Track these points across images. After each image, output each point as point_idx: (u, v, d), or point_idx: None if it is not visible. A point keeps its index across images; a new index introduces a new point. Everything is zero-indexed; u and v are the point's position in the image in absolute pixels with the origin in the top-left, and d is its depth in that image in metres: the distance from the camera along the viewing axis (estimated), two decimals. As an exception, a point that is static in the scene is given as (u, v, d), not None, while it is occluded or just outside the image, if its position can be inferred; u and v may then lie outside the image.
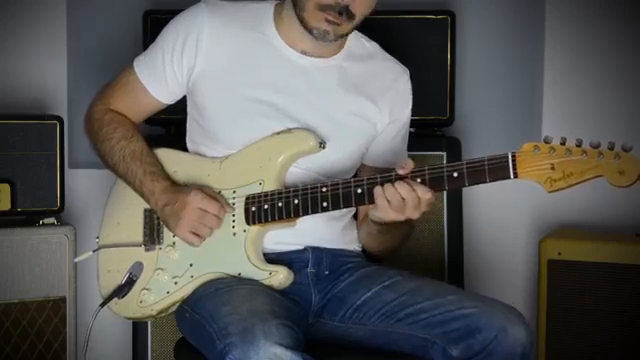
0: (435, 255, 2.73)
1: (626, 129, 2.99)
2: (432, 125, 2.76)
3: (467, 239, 2.85)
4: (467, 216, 2.86)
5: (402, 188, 2.03)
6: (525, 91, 3.04)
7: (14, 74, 2.93)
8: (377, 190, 2.05)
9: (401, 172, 2.05)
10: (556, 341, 2.75)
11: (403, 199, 2.03)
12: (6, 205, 2.59)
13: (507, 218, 3.09)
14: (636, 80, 3.02)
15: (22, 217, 2.66)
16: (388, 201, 2.04)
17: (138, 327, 2.64)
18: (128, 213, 2.30)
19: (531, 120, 3.03)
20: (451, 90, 2.74)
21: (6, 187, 2.59)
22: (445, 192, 2.72)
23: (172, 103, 2.32)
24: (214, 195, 2.17)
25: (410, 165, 2.05)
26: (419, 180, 2.04)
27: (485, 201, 3.04)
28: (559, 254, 2.74)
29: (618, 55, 3.02)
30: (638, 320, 2.67)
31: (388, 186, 2.04)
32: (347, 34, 2.22)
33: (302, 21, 2.17)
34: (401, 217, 2.07)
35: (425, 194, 2.03)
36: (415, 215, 2.06)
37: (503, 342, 1.99)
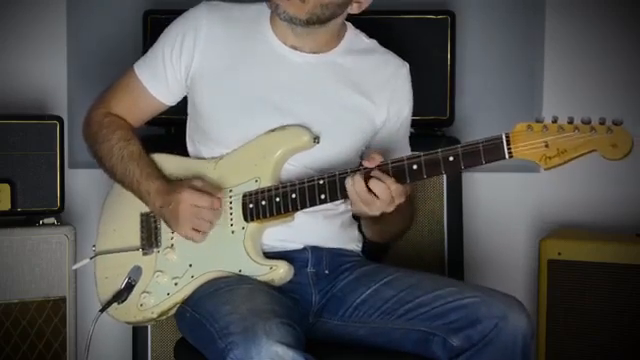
0: (435, 255, 2.73)
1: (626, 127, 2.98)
2: (432, 125, 2.76)
3: (467, 239, 2.85)
4: (467, 216, 2.85)
5: (369, 181, 2.04)
6: (525, 91, 3.04)
7: (14, 74, 2.93)
8: (348, 186, 2.07)
9: (367, 164, 2.06)
10: (556, 341, 2.75)
11: (375, 194, 2.04)
12: (6, 205, 2.59)
13: (507, 218, 3.09)
14: (636, 80, 3.02)
15: (22, 217, 2.66)
16: (358, 195, 2.06)
17: (138, 328, 2.64)
18: (124, 219, 2.30)
19: (531, 120, 3.02)
20: (451, 90, 2.74)
21: (6, 187, 2.59)
22: (445, 192, 2.72)
23: (173, 104, 2.32)
24: (204, 189, 2.16)
25: (378, 158, 2.06)
26: (415, 166, 2.04)
27: (485, 201, 3.04)
28: (559, 254, 2.74)
29: (618, 55, 3.02)
30: (638, 320, 2.67)
31: (358, 180, 2.05)
32: (305, 21, 2.16)
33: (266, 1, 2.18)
34: (375, 211, 2.08)
35: (392, 185, 2.04)
36: (390, 208, 2.07)
37: (503, 330, 2.00)
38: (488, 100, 3.02)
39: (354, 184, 2.06)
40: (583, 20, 3.03)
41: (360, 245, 2.36)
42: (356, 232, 2.34)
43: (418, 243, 2.71)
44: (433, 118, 2.74)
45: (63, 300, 2.66)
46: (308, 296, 2.22)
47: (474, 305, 2.04)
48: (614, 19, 3.02)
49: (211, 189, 2.17)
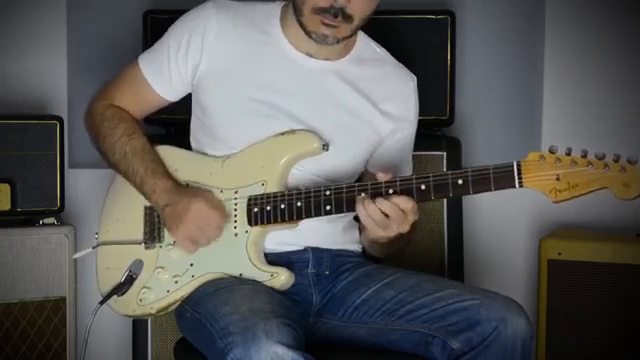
0: (435, 255, 2.73)
1: (625, 129, 2.99)
2: (432, 125, 2.75)
3: (467, 239, 2.85)
4: (467, 216, 2.86)
5: (382, 204, 2.02)
6: (525, 91, 3.04)
7: (14, 74, 2.93)
8: (360, 212, 2.05)
9: (381, 177, 2.04)
10: (556, 341, 2.75)
11: (387, 215, 2.03)
12: (6, 205, 2.59)
13: (507, 218, 3.09)
14: (636, 80, 3.02)
15: (22, 217, 2.65)
16: (372, 219, 2.04)
17: (138, 327, 2.64)
18: (128, 210, 2.30)
19: (531, 120, 3.03)
20: (451, 90, 2.74)
21: (6, 187, 2.59)
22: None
23: (175, 101, 2.31)
24: (217, 206, 2.16)
25: (390, 174, 2.05)
26: (423, 187, 2.03)
27: (485, 201, 3.04)
28: (559, 254, 2.74)
29: (618, 56, 3.02)
30: (638, 320, 2.67)
31: (368, 205, 2.03)
32: (349, 36, 2.21)
33: (301, 25, 2.17)
34: (391, 233, 2.06)
35: (407, 204, 2.02)
36: (405, 228, 2.05)
37: (502, 333, 2.00)
38: (488, 100, 3.02)
39: (366, 209, 2.03)
40: (583, 20, 3.03)
41: (360, 246, 2.35)
42: (357, 233, 2.34)
43: (418, 243, 2.71)
44: (433, 118, 2.73)
45: (63, 300, 2.66)
46: (308, 296, 2.21)
47: (474, 308, 2.03)
48: (614, 20, 3.02)
49: (221, 207, 2.17)
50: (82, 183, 2.95)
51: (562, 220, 3.03)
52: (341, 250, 2.28)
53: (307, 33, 2.17)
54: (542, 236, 2.83)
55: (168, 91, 2.28)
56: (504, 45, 3.01)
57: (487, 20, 3.00)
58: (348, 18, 2.14)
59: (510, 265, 3.08)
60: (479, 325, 2.02)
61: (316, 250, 2.23)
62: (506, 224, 3.09)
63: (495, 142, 2.99)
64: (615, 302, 2.69)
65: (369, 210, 2.03)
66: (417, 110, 2.35)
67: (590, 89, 3.05)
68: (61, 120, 2.66)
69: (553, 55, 3.04)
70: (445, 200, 2.72)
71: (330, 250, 2.25)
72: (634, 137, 2.97)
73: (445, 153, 2.72)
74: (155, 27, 2.65)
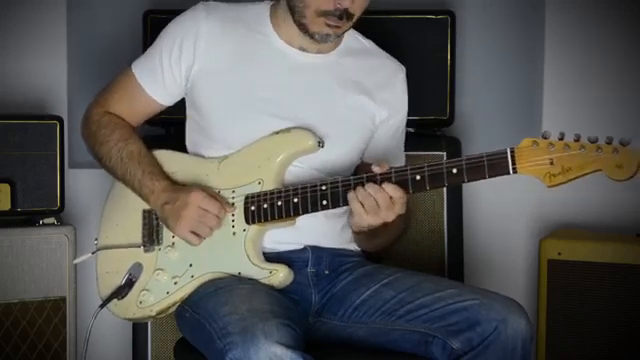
0: (435, 255, 2.73)
1: (626, 129, 2.98)
2: (432, 125, 2.76)
3: (467, 239, 2.85)
4: (467, 216, 2.86)
5: (372, 189, 2.04)
6: (525, 91, 3.04)
7: (14, 74, 2.93)
8: (350, 195, 2.06)
9: (376, 170, 2.06)
10: (556, 341, 2.75)
11: (376, 201, 2.03)
12: (6, 205, 2.59)
13: (507, 218, 3.09)
14: (636, 80, 3.02)
15: (22, 217, 2.65)
16: (362, 204, 2.05)
17: (138, 327, 2.64)
18: (127, 214, 2.30)
19: (531, 120, 3.03)
20: (451, 90, 2.74)
21: (6, 187, 2.59)
22: (445, 192, 2.72)
23: (170, 105, 2.32)
24: (215, 195, 2.17)
25: (386, 165, 2.06)
26: (418, 177, 2.04)
27: (485, 201, 3.04)
28: (559, 254, 2.74)
29: (618, 55, 3.02)
30: (638, 320, 2.67)
31: (359, 189, 2.05)
32: (347, 30, 2.23)
33: (301, 27, 2.18)
34: (378, 220, 2.06)
35: (395, 192, 2.03)
36: (390, 217, 2.06)
37: (503, 333, 2.00)
38: (488, 100, 3.02)
39: (357, 193, 2.05)
40: (583, 19, 3.03)
41: (360, 245, 2.36)
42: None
43: (418, 243, 2.71)
44: (433, 118, 2.74)
45: (63, 300, 2.66)
46: (308, 296, 2.22)
47: (474, 308, 2.04)
48: (614, 19, 3.02)
49: (220, 197, 2.17)
50: (82, 183, 2.95)
51: (562, 220, 3.03)
52: (340, 249, 2.28)
53: (309, 34, 2.18)
54: (542, 236, 2.83)
55: (162, 94, 2.29)
56: (504, 45, 3.02)
57: (487, 20, 3.00)
58: (350, 17, 2.17)
59: (510, 265, 3.09)
60: (479, 325, 2.02)
61: (315, 249, 2.23)
62: (506, 224, 3.09)
63: (495, 142, 2.97)
64: (615, 302, 2.69)
65: (359, 194, 2.04)
66: (406, 100, 2.36)
67: (590, 89, 3.05)
68: (61, 120, 2.66)
69: (553, 55, 3.04)
70: (445, 200, 2.72)
71: (329, 249, 2.25)
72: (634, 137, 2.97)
73: (445, 153, 2.72)
74: (155, 27, 2.65)
